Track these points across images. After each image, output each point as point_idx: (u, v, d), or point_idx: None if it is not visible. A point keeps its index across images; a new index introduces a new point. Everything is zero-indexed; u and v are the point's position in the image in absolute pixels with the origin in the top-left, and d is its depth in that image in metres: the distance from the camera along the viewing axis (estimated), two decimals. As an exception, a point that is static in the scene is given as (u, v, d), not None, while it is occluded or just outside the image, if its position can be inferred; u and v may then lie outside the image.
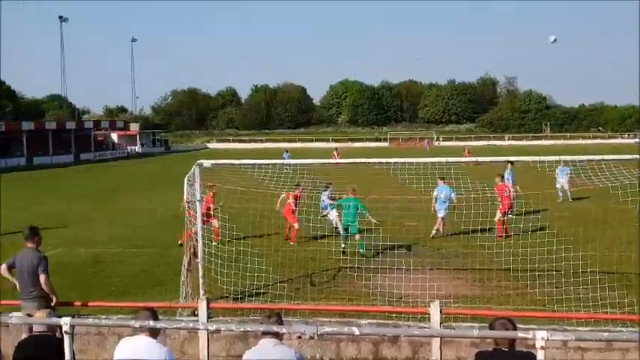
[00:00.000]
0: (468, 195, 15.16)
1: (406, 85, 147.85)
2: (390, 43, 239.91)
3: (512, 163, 22.00)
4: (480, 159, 12.13)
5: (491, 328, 5.53)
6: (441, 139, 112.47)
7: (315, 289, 13.35)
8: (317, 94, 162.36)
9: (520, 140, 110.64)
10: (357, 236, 16.52)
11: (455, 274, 14.32)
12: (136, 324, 5.05)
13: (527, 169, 23.65)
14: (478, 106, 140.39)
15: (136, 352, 5.49)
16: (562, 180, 26.26)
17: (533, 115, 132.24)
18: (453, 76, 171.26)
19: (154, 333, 5.61)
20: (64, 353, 5.68)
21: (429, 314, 8.60)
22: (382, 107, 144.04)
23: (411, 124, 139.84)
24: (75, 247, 18.86)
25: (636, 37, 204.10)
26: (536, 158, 11.78)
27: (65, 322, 4.79)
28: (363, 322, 8.89)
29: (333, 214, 18.80)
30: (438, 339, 8.50)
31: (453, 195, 18.81)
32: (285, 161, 14.18)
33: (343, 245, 16.47)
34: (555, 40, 18.60)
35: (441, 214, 18.85)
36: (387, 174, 13.19)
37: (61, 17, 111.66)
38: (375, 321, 9.11)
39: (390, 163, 11.75)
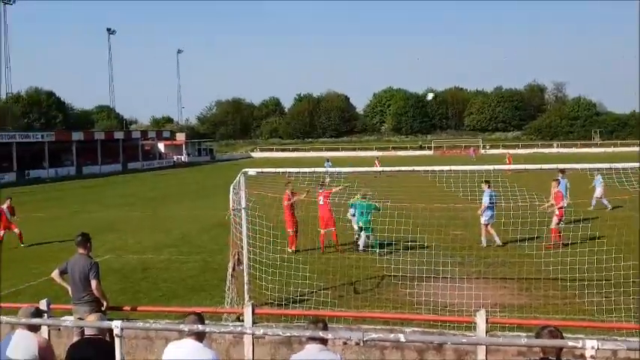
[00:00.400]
0: (515, 203, 14.90)
1: (451, 93, 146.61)
2: (434, 49, 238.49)
3: (563, 171, 21.59)
4: (528, 167, 11.93)
5: (538, 336, 5.43)
6: (488, 147, 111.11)
7: (358, 296, 13.33)
8: (360, 102, 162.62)
9: (569, 148, 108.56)
10: (371, 236, 17.53)
11: (501, 283, 14.12)
12: (185, 327, 5.15)
13: (575, 176, 23.30)
14: (525, 113, 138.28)
15: (183, 355, 5.61)
16: (599, 189, 26.11)
17: (582, 122, 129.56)
18: (499, 82, 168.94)
19: (200, 337, 5.72)
20: (114, 356, 5.83)
21: (474, 323, 8.51)
22: (427, 115, 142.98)
23: (457, 132, 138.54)
24: (124, 253, 19.29)
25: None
26: (581, 165, 11.55)
27: (116, 325, 4.91)
28: (408, 329, 8.85)
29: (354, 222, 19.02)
30: (484, 347, 8.40)
31: (486, 199, 18.65)
32: (328, 169, 14.25)
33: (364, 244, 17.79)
34: (434, 97, 18.08)
35: (493, 220, 18.67)
36: (433, 182, 13.09)
37: (109, 29, 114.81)
38: (419, 329, 9.05)
39: (435, 170, 11.66)
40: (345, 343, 5.59)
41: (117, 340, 4.92)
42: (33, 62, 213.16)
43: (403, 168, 13.17)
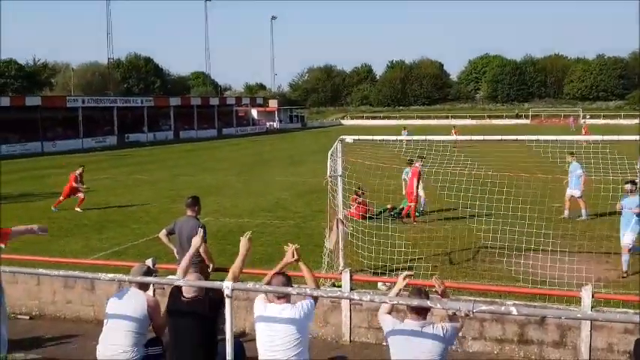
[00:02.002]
0: (623, 175, 14.09)
1: (551, 60, 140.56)
2: (533, 15, 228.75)
3: None
4: (622, 137, 11.27)
5: (651, 314, 5.20)
6: (588, 117, 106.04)
7: (454, 267, 13.16)
8: (454, 69, 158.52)
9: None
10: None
11: (604, 257, 13.55)
12: (293, 291, 5.19)
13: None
14: (629, 82, 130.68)
15: (274, 313, 5.74)
16: None
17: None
18: (602, 49, 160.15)
19: (287, 298, 5.84)
20: (215, 308, 5.98)
21: (577, 298, 8.22)
22: (524, 83, 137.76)
23: (555, 101, 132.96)
24: (221, 216, 19.82)
25: None
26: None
27: (227, 285, 4.99)
28: (509, 302, 8.63)
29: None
30: (589, 323, 8.12)
31: (579, 171, 17.92)
32: (410, 137, 14.05)
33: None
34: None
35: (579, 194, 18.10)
36: (537, 152, 12.61)
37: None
38: (522, 302, 8.81)
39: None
40: (454, 314, 5.48)
41: (227, 301, 5.02)
42: (132, 28, 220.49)
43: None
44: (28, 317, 10.64)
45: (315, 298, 6.02)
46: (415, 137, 13.57)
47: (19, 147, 56.55)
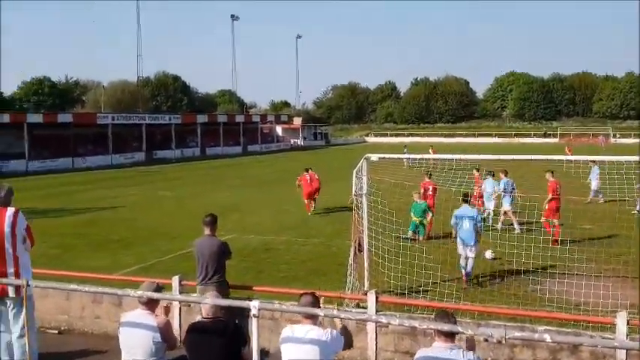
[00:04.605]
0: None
1: (579, 77, 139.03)
2: (561, 32, 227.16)
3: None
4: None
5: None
6: (618, 136, 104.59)
7: (483, 290, 12.91)
8: (480, 87, 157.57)
9: None
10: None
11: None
12: (321, 312, 5.08)
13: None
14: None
15: (301, 334, 5.62)
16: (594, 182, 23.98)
17: None
18: (631, 67, 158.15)
19: (315, 319, 5.69)
20: (237, 338, 5.85)
21: (611, 324, 7.96)
22: (552, 101, 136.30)
23: (585, 119, 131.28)
24: (246, 233, 19.76)
25: None
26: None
27: (254, 305, 4.90)
28: (541, 328, 8.40)
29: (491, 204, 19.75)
30: (624, 351, 7.86)
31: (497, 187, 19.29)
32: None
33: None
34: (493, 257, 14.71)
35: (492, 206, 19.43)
36: (566, 173, 12.37)
37: (232, 16, 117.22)
38: (553, 328, 8.57)
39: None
40: (486, 340, 5.31)
41: (254, 321, 4.92)
42: (161, 48, 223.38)
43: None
44: (56, 331, 10.64)
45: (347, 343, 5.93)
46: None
47: (50, 163, 57.42)
